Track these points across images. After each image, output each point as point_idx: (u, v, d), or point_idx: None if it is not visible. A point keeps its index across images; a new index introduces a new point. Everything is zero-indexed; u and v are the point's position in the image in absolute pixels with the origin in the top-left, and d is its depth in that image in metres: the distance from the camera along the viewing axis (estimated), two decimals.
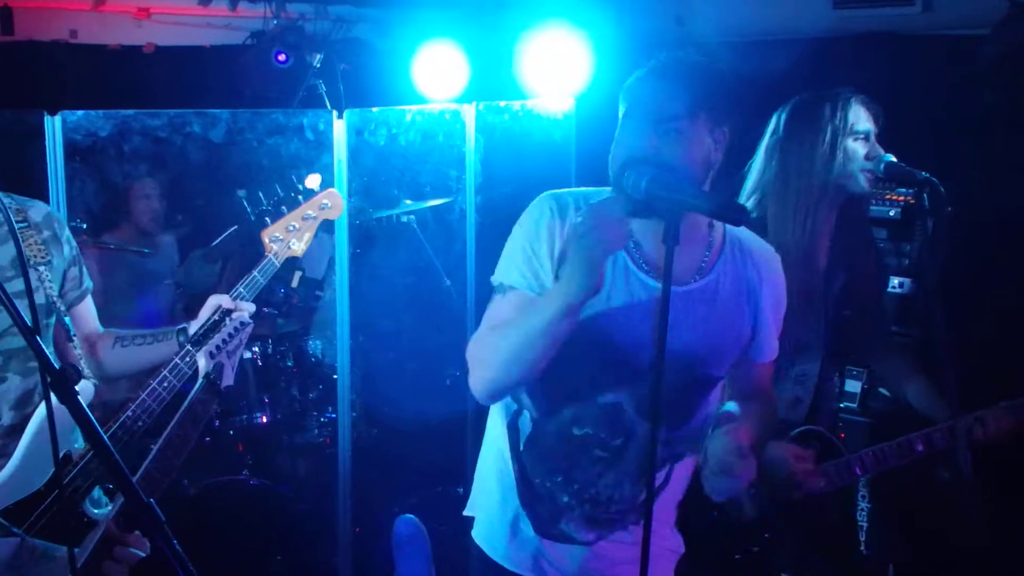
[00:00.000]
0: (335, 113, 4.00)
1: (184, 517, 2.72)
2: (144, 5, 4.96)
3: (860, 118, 2.88)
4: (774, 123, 2.98)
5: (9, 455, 2.37)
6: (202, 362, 2.47)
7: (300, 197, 2.86)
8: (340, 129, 4.02)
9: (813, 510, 2.96)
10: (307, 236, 2.76)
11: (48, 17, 4.62)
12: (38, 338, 1.58)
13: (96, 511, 2.55)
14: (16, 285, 2.44)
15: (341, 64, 5.30)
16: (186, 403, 2.46)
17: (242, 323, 2.54)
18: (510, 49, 4.85)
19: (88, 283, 2.76)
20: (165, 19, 5.07)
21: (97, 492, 2.59)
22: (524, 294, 2.19)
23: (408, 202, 5.02)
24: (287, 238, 2.74)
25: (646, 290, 2.23)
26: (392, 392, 5.04)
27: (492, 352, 2.18)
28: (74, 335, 2.61)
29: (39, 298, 2.52)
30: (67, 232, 2.68)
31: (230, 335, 2.51)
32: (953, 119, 4.04)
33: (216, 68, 5.36)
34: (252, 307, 2.70)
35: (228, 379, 2.50)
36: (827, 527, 3.03)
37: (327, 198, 2.80)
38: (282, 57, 5.16)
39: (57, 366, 1.57)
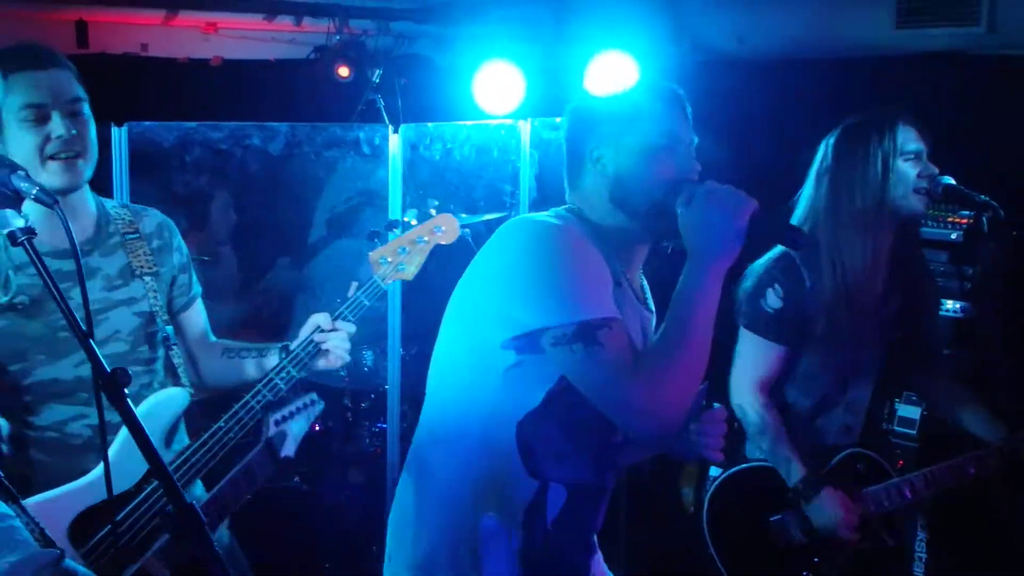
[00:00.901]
0: (391, 127, 4.05)
1: (234, 522, 2.76)
2: (212, 20, 5.08)
3: (909, 138, 2.84)
4: (823, 150, 2.96)
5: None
6: (268, 426, 2.48)
7: (413, 222, 2.86)
8: (395, 143, 4.07)
9: (864, 534, 2.92)
10: (418, 260, 2.72)
11: (121, 31, 4.75)
12: (92, 341, 1.61)
13: None
14: (122, 294, 2.57)
15: (400, 79, 5.37)
16: (244, 462, 2.49)
17: (313, 401, 2.55)
18: (566, 66, 4.87)
19: (197, 289, 2.82)
20: (232, 33, 5.18)
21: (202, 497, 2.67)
22: (621, 321, 2.06)
23: (462, 216, 5.06)
24: (396, 261, 2.73)
25: (641, 319, 2.26)
26: None
27: (672, 381, 2.00)
28: (175, 343, 2.67)
29: (143, 307, 2.60)
30: (178, 240, 2.75)
31: (298, 409, 2.52)
32: (1017, 141, 3.96)
33: (279, 82, 5.46)
34: (353, 328, 2.69)
35: (288, 450, 2.48)
36: (878, 552, 2.98)
37: (442, 222, 2.76)
38: (343, 71, 5.24)
39: (109, 369, 1.61)
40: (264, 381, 2.58)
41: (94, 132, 2.47)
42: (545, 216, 2.21)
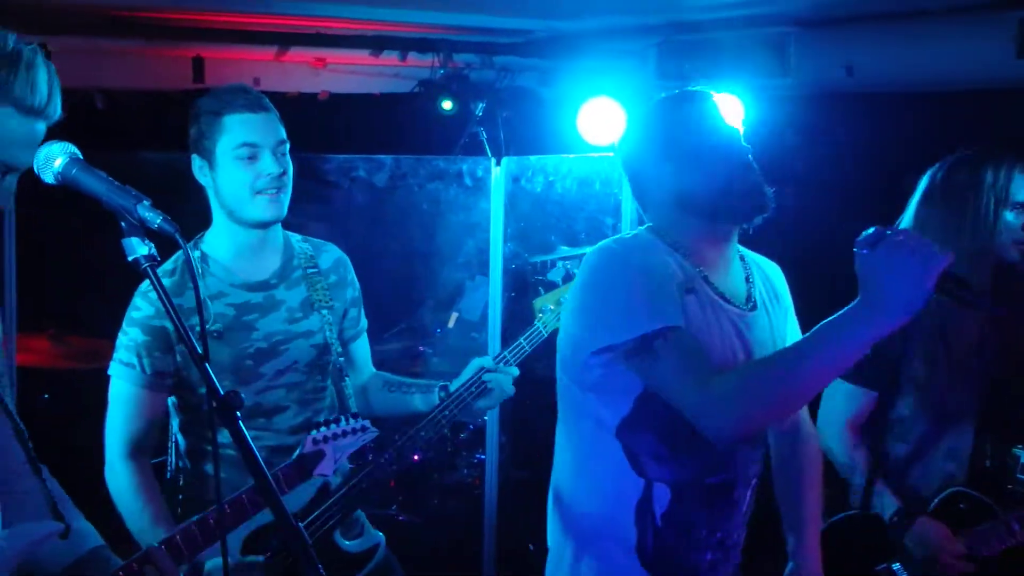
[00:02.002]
0: (493, 160, 4.09)
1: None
2: (321, 55, 5.20)
3: (1021, 188, 2.75)
4: (928, 181, 2.87)
5: None
6: (305, 444, 2.52)
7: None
8: (498, 175, 4.10)
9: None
10: None
11: (235, 66, 4.90)
12: (207, 365, 1.66)
13: (347, 543, 2.70)
14: (302, 326, 2.73)
15: (503, 112, 5.41)
16: (272, 472, 2.49)
17: (365, 428, 2.60)
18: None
19: (364, 323, 3.01)
20: (340, 68, 5.29)
21: (351, 522, 2.79)
22: (686, 331, 2.12)
23: (563, 248, 5.07)
24: (558, 309, 2.86)
25: (730, 318, 2.25)
26: (542, 437, 5.05)
27: (762, 392, 2.00)
28: (347, 375, 2.83)
29: (318, 339, 2.74)
30: (352, 275, 2.94)
31: (345, 432, 2.55)
32: None
33: (384, 115, 5.56)
34: (516, 371, 2.85)
35: (325, 469, 2.51)
36: None
37: None
38: (447, 105, 5.31)
39: (222, 393, 1.65)
40: (429, 419, 2.76)
41: (292, 171, 2.67)
42: (616, 238, 2.34)
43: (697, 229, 2.27)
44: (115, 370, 2.64)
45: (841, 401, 2.92)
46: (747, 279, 2.39)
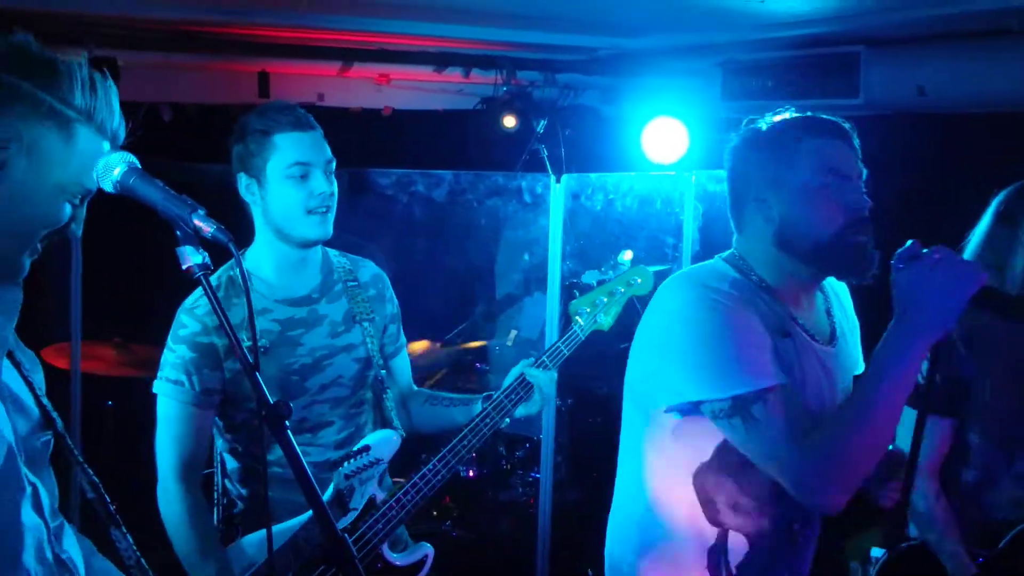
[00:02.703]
0: (553, 177, 4.07)
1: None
2: (385, 71, 5.25)
3: None
4: (999, 201, 2.80)
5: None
6: (337, 478, 2.61)
7: (611, 271, 2.95)
8: (557, 192, 4.09)
9: None
10: (614, 311, 2.82)
11: (300, 82, 4.97)
12: (258, 374, 1.65)
13: (395, 556, 2.70)
14: (344, 340, 2.73)
15: (565, 130, 5.41)
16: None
17: (377, 460, 2.66)
18: (733, 120, 4.79)
19: (403, 339, 2.98)
20: (403, 84, 5.34)
21: (397, 536, 2.78)
22: (786, 387, 2.00)
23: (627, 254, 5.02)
24: (595, 312, 2.82)
25: (817, 356, 2.16)
26: (599, 459, 5.01)
27: (844, 460, 1.92)
28: (388, 388, 2.84)
29: (361, 353, 2.75)
30: (390, 291, 2.92)
31: (362, 467, 2.64)
32: None
33: (446, 131, 5.59)
34: (555, 374, 2.78)
35: (357, 502, 2.61)
36: None
37: (637, 275, 2.86)
38: (509, 122, 5.32)
39: (272, 402, 1.64)
40: (470, 427, 2.70)
41: (337, 189, 2.67)
42: (705, 275, 2.17)
43: (790, 270, 2.13)
44: (162, 388, 2.60)
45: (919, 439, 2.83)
46: (828, 312, 2.29)
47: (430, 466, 2.67)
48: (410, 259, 5.33)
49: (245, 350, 1.65)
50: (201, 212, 1.64)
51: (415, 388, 3.04)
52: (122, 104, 1.74)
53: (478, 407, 2.78)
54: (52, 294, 3.97)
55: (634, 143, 5.20)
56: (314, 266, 2.75)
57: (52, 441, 1.79)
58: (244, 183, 2.63)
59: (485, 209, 4.99)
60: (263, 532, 2.55)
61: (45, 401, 1.78)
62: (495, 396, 2.75)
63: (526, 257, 5.22)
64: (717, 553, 2.15)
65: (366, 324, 2.76)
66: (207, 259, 1.66)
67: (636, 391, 2.22)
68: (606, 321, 2.80)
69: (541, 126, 5.26)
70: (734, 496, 2.12)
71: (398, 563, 2.74)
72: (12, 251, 1.62)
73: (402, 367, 2.99)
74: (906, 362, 1.90)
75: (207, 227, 1.63)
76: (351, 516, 2.62)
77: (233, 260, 2.66)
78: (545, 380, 2.72)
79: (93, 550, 1.92)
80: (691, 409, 2.05)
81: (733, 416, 1.97)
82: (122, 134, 1.73)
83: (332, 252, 2.85)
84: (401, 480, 2.75)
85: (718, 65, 5.20)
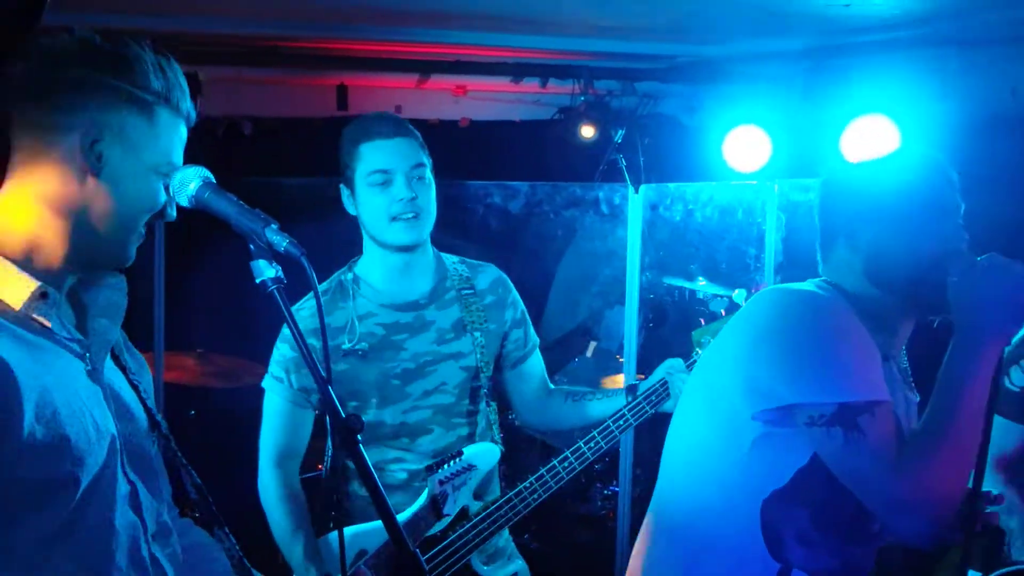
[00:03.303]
0: (631, 187, 4.02)
1: None
2: (462, 83, 5.26)
3: None
4: None
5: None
6: (433, 484, 2.61)
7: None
8: (635, 203, 4.03)
9: None
10: None
11: (378, 94, 5.01)
12: (330, 388, 1.64)
13: (484, 568, 2.70)
14: (451, 347, 2.74)
15: (644, 139, 5.35)
16: (408, 516, 2.58)
17: (471, 467, 2.66)
18: (818, 127, 4.69)
19: (534, 340, 2.98)
20: (480, 95, 5.34)
21: (491, 548, 2.78)
22: (892, 406, 1.91)
23: (701, 281, 4.95)
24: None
25: (907, 398, 2.09)
26: None
27: (937, 476, 1.84)
28: (492, 400, 2.84)
29: (469, 362, 2.76)
30: (513, 295, 2.92)
31: (456, 473, 2.63)
32: None
33: (523, 142, 5.57)
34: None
35: (450, 508, 2.61)
36: None
37: None
38: (587, 132, 5.28)
39: (343, 415, 1.63)
40: (601, 428, 2.72)
41: (433, 193, 2.69)
42: (806, 285, 2.08)
43: (887, 303, 2.04)
44: (267, 383, 2.75)
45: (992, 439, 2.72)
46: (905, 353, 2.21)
47: (553, 462, 2.68)
48: None
49: (318, 363, 1.64)
50: (274, 226, 1.65)
51: (551, 386, 3.01)
52: (204, 119, 1.77)
53: (619, 400, 2.78)
54: (136, 306, 4.04)
55: (715, 152, 5.11)
56: (424, 272, 2.77)
57: (158, 443, 1.84)
58: (345, 194, 2.72)
59: (562, 220, 4.96)
60: (357, 527, 2.60)
61: (151, 404, 1.84)
62: (636, 398, 2.74)
63: (604, 269, 5.18)
64: None
65: (477, 334, 2.76)
66: (280, 272, 1.66)
67: (714, 398, 2.07)
68: None
69: (619, 136, 5.21)
70: (806, 530, 1.99)
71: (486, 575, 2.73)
72: (121, 237, 1.71)
73: (536, 368, 2.97)
74: (975, 371, 1.85)
75: (279, 241, 1.63)
76: (445, 522, 2.61)
77: (346, 266, 2.75)
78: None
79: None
80: (781, 417, 1.91)
81: (834, 425, 1.85)
82: (194, 115, 1.80)
83: (450, 258, 2.86)
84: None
85: (802, 71, 5.09)
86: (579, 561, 4.97)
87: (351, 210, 2.72)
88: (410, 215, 2.61)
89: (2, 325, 1.55)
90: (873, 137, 4.49)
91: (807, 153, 4.70)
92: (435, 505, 2.60)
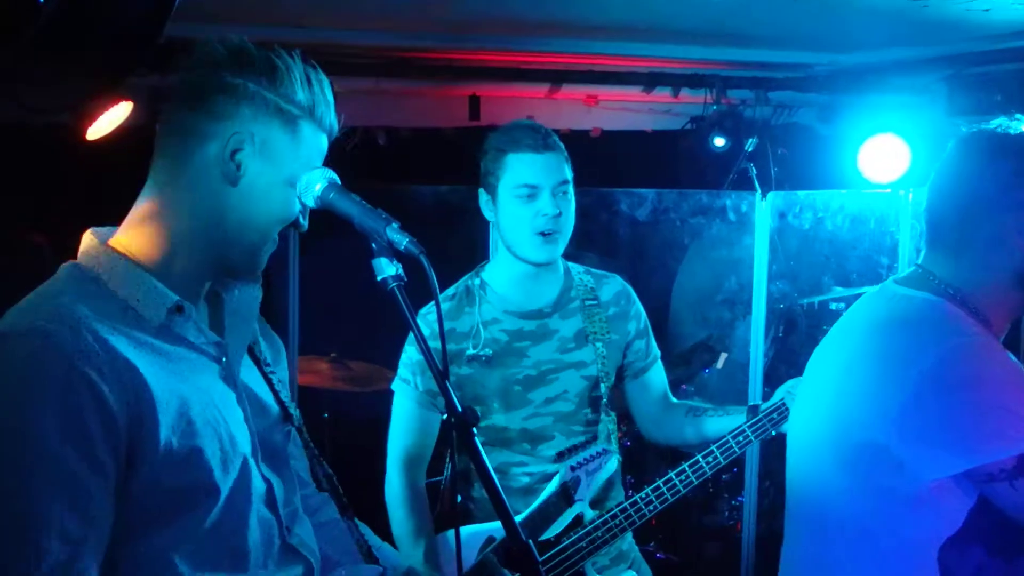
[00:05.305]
0: (758, 194, 3.97)
1: None
2: (593, 92, 5.27)
3: None
4: None
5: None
6: (563, 470, 2.64)
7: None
8: (762, 210, 3.98)
9: None
10: None
11: (509, 104, 5.05)
12: (448, 383, 1.70)
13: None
14: (573, 357, 2.77)
15: (778, 149, 5.26)
16: (539, 503, 2.62)
17: (606, 451, 2.68)
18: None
19: (655, 352, 3.00)
20: (611, 105, 5.34)
21: (613, 552, 2.82)
22: None
23: (837, 289, 4.83)
24: None
25: None
26: None
27: None
28: (612, 410, 2.85)
29: (591, 372, 2.78)
30: (636, 307, 2.93)
31: (592, 456, 2.66)
32: None
33: (655, 152, 5.55)
34: None
35: (582, 494, 2.63)
36: None
37: None
38: (719, 141, 5.22)
39: (460, 409, 1.68)
40: (720, 443, 2.70)
41: (573, 210, 2.72)
42: (938, 318, 1.88)
43: (1018, 305, 1.91)
44: (396, 385, 2.82)
45: None
46: None
47: (671, 474, 2.68)
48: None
49: (436, 360, 1.69)
50: (395, 225, 1.70)
51: (673, 400, 3.00)
52: (341, 129, 1.83)
53: (739, 418, 2.74)
54: (272, 310, 4.22)
55: (849, 161, 4.99)
56: (551, 282, 2.80)
57: (291, 433, 1.90)
58: (484, 199, 2.75)
59: (688, 228, 4.92)
60: (472, 528, 2.66)
61: (284, 396, 1.89)
62: (758, 415, 2.70)
63: (732, 278, 5.11)
64: None
65: (599, 344, 2.77)
66: (400, 270, 1.71)
67: (855, 441, 1.90)
68: None
69: (751, 144, 5.13)
70: (983, 560, 1.87)
71: None
72: (254, 246, 1.74)
73: (657, 380, 2.97)
74: None
75: (400, 240, 1.68)
76: (576, 509, 2.63)
77: (474, 271, 2.81)
78: None
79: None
80: (957, 481, 1.79)
81: (1017, 477, 1.72)
82: (336, 128, 1.81)
83: (576, 268, 2.89)
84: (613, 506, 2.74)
85: (943, 79, 4.92)
86: (705, 571, 4.92)
87: (489, 216, 2.74)
88: (554, 231, 2.63)
89: (140, 339, 1.59)
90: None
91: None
92: (565, 491, 2.62)
